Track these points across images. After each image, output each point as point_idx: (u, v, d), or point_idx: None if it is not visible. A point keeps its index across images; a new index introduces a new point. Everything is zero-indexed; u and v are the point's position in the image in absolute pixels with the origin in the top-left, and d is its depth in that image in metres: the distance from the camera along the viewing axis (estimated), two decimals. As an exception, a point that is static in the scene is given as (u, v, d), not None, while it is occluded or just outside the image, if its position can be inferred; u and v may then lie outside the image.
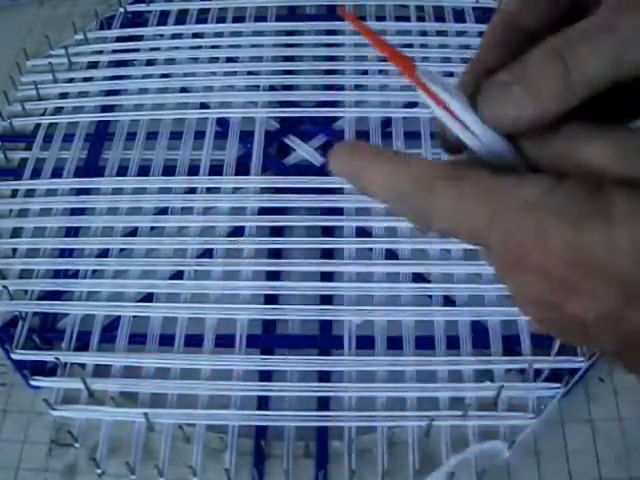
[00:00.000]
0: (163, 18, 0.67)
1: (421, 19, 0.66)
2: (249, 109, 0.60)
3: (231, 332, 0.50)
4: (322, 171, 0.57)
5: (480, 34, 0.66)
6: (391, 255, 0.53)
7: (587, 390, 0.49)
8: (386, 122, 0.60)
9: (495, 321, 0.51)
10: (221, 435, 0.47)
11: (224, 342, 0.50)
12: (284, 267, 0.53)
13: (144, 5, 0.67)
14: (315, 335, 0.51)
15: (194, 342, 0.50)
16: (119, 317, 0.51)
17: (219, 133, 0.59)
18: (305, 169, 0.58)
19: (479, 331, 0.51)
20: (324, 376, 0.49)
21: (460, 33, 0.65)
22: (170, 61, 0.63)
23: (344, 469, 0.46)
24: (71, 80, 0.63)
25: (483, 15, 0.67)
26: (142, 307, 0.51)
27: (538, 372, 0.49)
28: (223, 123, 0.60)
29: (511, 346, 0.50)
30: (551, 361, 0.49)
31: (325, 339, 0.51)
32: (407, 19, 0.66)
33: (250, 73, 0.62)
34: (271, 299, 0.52)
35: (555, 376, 0.49)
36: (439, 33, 0.65)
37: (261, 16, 0.66)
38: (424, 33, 0.65)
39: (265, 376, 0.49)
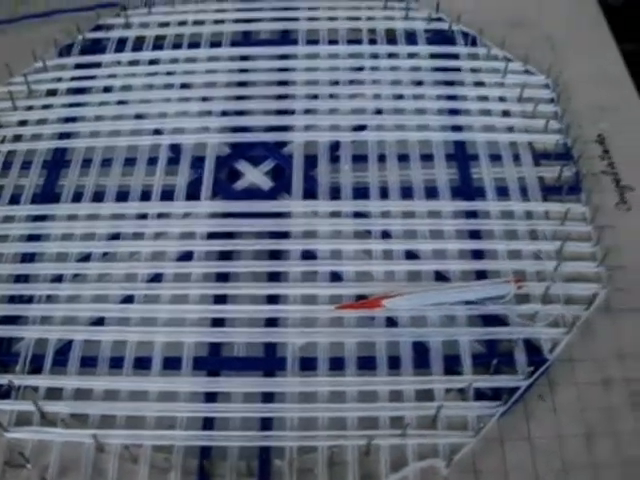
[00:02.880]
0: (121, 45, 0.68)
1: (373, 42, 0.68)
2: (200, 135, 0.62)
3: (178, 355, 0.52)
4: (270, 195, 0.59)
5: (431, 56, 0.67)
6: (335, 277, 0.55)
7: (527, 408, 0.51)
8: (335, 146, 0.61)
9: (436, 341, 0.52)
10: (167, 455, 0.48)
11: (171, 364, 0.52)
12: (230, 290, 0.54)
13: (103, 32, 0.69)
14: (259, 357, 0.52)
15: (142, 365, 0.52)
16: (71, 341, 0.53)
17: (172, 159, 0.61)
18: (254, 193, 0.59)
19: (421, 351, 0.52)
20: (267, 397, 0.50)
21: (411, 55, 0.67)
22: (126, 88, 0.65)
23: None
24: (30, 108, 0.64)
25: (434, 37, 0.68)
26: (93, 331, 0.53)
27: (478, 391, 0.50)
28: (176, 149, 0.61)
29: (452, 366, 0.51)
30: (490, 380, 0.51)
31: (269, 361, 0.52)
32: (360, 42, 0.68)
33: (203, 99, 0.64)
34: (218, 322, 0.53)
35: (495, 395, 0.50)
36: (390, 56, 0.67)
37: (217, 41, 0.68)
38: (375, 56, 0.67)
39: (210, 397, 0.50)
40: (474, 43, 0.68)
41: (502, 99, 0.65)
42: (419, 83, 0.65)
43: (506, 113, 0.64)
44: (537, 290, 0.54)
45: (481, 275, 0.55)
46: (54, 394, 0.51)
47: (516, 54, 0.68)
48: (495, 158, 0.61)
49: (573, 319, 0.53)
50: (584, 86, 0.67)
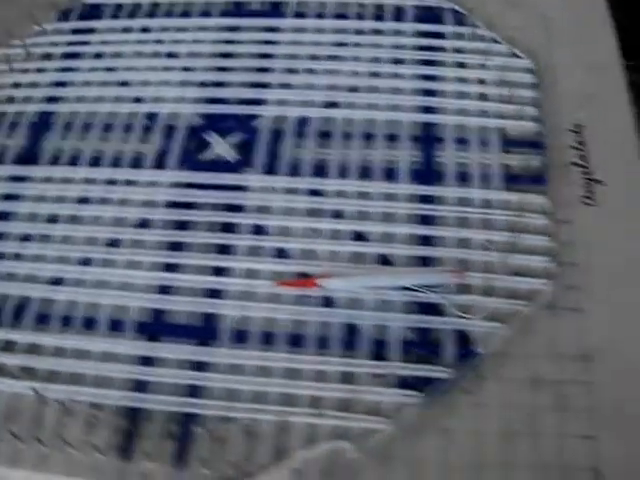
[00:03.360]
0: (117, 11, 0.70)
1: (360, 17, 0.68)
2: (175, 104, 0.63)
3: (123, 318, 0.55)
4: (233, 168, 0.60)
5: (418, 34, 0.66)
6: (282, 254, 0.56)
7: (449, 400, 0.51)
8: (303, 121, 0.62)
9: (367, 325, 0.53)
10: (99, 412, 0.52)
11: (116, 327, 0.54)
12: (179, 260, 0.56)
13: (101, -3, 0.71)
14: (197, 326, 0.54)
15: (90, 325, 0.55)
16: (29, 298, 0.56)
17: (147, 127, 0.63)
18: (218, 166, 0.60)
19: (351, 334, 0.53)
20: (198, 366, 0.53)
21: (396, 32, 0.66)
22: (116, 55, 0.67)
23: (201, 454, 0.50)
24: (25, 71, 0.68)
25: (423, 14, 0.68)
26: (49, 290, 0.56)
27: (403, 379, 0.51)
28: (152, 118, 0.63)
29: (380, 351, 0.52)
30: (415, 369, 0.51)
31: (205, 331, 0.54)
32: (347, 17, 0.68)
33: (185, 69, 0.66)
34: (164, 289, 0.56)
35: (419, 384, 0.51)
36: (375, 32, 0.67)
37: (208, 11, 0.69)
38: (360, 32, 0.67)
39: (146, 361, 0.53)
40: (462, 22, 0.67)
41: (481, 82, 0.64)
42: (399, 61, 0.65)
43: (483, 96, 0.63)
44: (479, 281, 0.54)
45: (426, 262, 0.55)
46: (10, 347, 0.55)
47: (507, 35, 0.66)
48: (462, 142, 0.60)
49: (511, 314, 0.53)
50: (572, 72, 0.65)
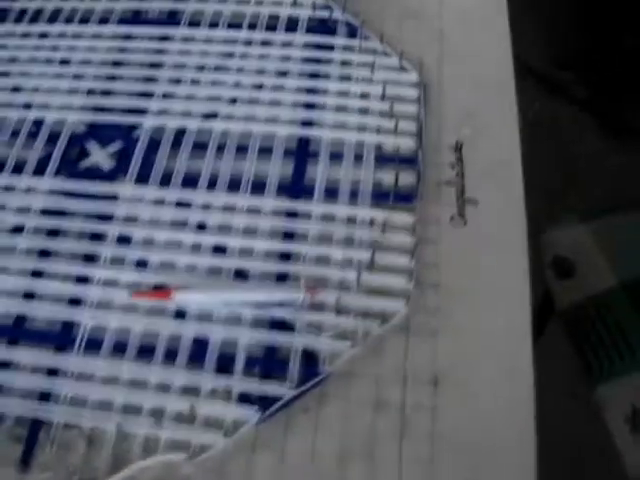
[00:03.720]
0: (21, 16, 0.71)
1: (253, 27, 0.67)
2: (61, 112, 0.64)
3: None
4: (109, 177, 0.61)
5: (307, 46, 0.66)
6: (142, 264, 0.57)
7: (288, 419, 0.51)
8: (181, 132, 0.62)
9: (216, 339, 0.53)
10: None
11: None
12: (45, 266, 0.57)
13: (7, 2, 0.72)
14: (55, 333, 0.55)
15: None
16: None
17: (32, 133, 0.64)
18: (94, 174, 0.61)
19: (199, 347, 0.53)
20: (52, 372, 0.53)
21: (285, 44, 0.66)
22: (12, 60, 0.68)
23: (44, 459, 0.50)
24: None
25: (316, 26, 0.67)
26: None
27: (246, 395, 0.51)
28: (38, 124, 0.64)
29: (226, 366, 0.53)
30: (257, 385, 0.51)
31: (61, 338, 0.54)
32: (240, 27, 0.68)
33: (76, 77, 0.66)
34: (28, 295, 0.56)
35: (263, 401, 0.51)
36: (264, 43, 0.67)
37: (106, 18, 0.70)
38: (249, 43, 0.67)
39: (3, 366, 0.54)
40: (355, 34, 0.67)
41: (364, 96, 0.63)
42: (284, 74, 0.65)
43: (364, 111, 0.63)
44: (333, 299, 0.54)
45: (282, 278, 0.55)
46: None
47: (400, 48, 0.66)
48: (336, 158, 0.60)
49: (363, 334, 0.53)
50: (460, 87, 0.64)
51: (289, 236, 0.57)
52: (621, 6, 1.31)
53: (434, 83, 0.64)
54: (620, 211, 0.79)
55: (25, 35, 0.70)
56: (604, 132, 1.29)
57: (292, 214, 0.58)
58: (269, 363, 0.52)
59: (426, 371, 0.52)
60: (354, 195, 0.58)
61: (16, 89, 0.66)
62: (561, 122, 1.31)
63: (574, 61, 1.35)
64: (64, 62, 0.68)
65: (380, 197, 0.58)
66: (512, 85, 0.64)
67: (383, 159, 0.60)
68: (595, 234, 0.77)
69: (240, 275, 0.56)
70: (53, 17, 0.71)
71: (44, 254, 0.58)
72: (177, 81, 0.65)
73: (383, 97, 0.63)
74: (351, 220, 0.57)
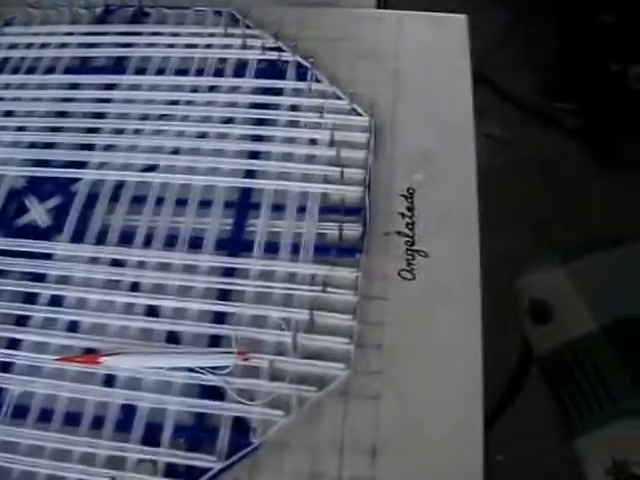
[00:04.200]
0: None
1: (200, 72, 0.65)
2: (2, 166, 0.62)
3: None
4: (44, 234, 0.58)
5: (254, 90, 0.63)
6: (73, 327, 0.54)
7: (217, 493, 0.48)
8: (120, 186, 0.60)
9: (144, 407, 0.51)
10: None
11: None
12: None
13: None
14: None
15: None
16: None
17: (-28, 189, 0.62)
18: (30, 231, 0.59)
19: (127, 415, 0.51)
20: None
21: (233, 89, 0.64)
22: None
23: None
24: None
25: (265, 68, 0.65)
26: None
27: (173, 467, 0.48)
28: (-22, 179, 0.62)
29: (154, 435, 0.50)
30: (184, 457, 0.49)
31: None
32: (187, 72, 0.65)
33: (19, 129, 0.64)
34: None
35: (190, 473, 0.48)
36: (211, 89, 0.64)
37: (53, 67, 0.68)
38: (195, 89, 0.64)
39: None
40: (305, 76, 0.64)
41: (312, 142, 0.60)
42: (229, 121, 0.62)
43: (310, 159, 0.60)
44: (267, 364, 0.51)
45: (215, 341, 0.53)
46: None
47: (352, 89, 0.62)
48: (279, 209, 0.57)
49: (299, 401, 0.50)
50: (416, 129, 0.61)
51: (225, 296, 0.54)
52: (605, 34, 1.28)
53: (387, 125, 0.61)
54: (601, 250, 0.75)
55: (-29, 86, 0.68)
56: (594, 162, 1.25)
57: (229, 271, 0.55)
58: (198, 432, 0.50)
59: (365, 439, 0.49)
60: (296, 249, 0.56)
61: (-41, 142, 0.65)
62: (550, 153, 1.27)
63: (563, 91, 1.32)
64: (8, 114, 0.66)
65: (323, 250, 0.56)
66: (471, 125, 0.61)
67: (328, 210, 0.57)
68: (573, 276, 0.73)
69: (172, 338, 0.53)
70: (0, 67, 0.69)
71: (-27, 319, 0.56)
72: (120, 131, 0.63)
73: (331, 143, 0.60)
74: (291, 277, 0.54)
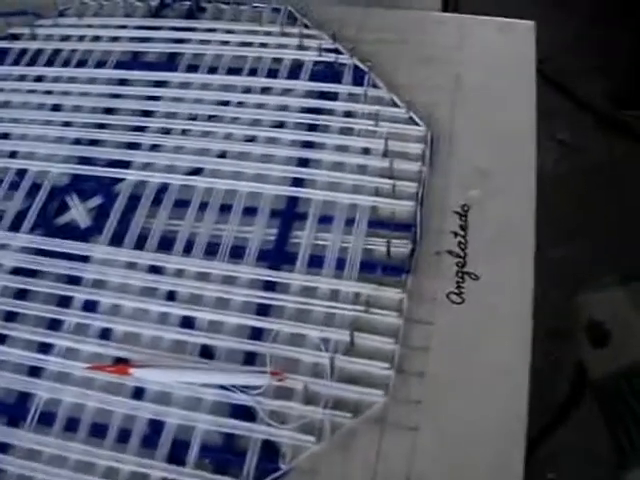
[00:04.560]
0: (20, 57, 0.68)
1: (254, 72, 0.62)
2: (44, 162, 0.61)
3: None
4: (84, 235, 0.57)
5: (308, 94, 0.61)
6: (105, 335, 0.52)
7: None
8: (163, 188, 0.58)
9: (173, 423, 0.49)
10: None
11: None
12: (6, 331, 0.53)
13: (7, 42, 0.69)
14: (10, 404, 0.51)
15: None
16: None
17: (14, 184, 0.60)
18: (69, 232, 0.57)
19: (154, 430, 0.49)
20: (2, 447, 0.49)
21: (286, 91, 0.61)
22: (4, 104, 0.65)
23: None
24: None
25: (321, 70, 0.62)
26: None
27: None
28: (21, 174, 0.61)
29: (180, 453, 0.48)
30: (208, 479, 0.47)
31: (16, 410, 0.51)
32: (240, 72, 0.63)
33: (66, 124, 0.63)
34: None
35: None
36: (264, 90, 0.61)
37: (104, 60, 0.66)
38: (248, 90, 0.61)
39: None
40: (362, 81, 0.60)
41: (365, 151, 0.57)
42: (280, 125, 0.59)
43: (362, 169, 0.57)
44: (302, 386, 0.48)
45: (250, 358, 0.50)
46: None
47: (410, 96, 0.59)
48: (326, 221, 0.55)
49: (332, 426, 0.47)
50: (475, 142, 0.58)
51: (263, 311, 0.52)
52: None
53: (445, 136, 0.58)
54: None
55: (22, 78, 0.67)
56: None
57: (270, 285, 0.53)
58: (225, 453, 0.48)
59: (399, 472, 0.46)
60: (340, 265, 0.53)
61: (5, 135, 0.63)
62: (618, 160, 1.22)
63: (632, 98, 1.26)
64: (56, 108, 0.64)
65: (369, 267, 0.53)
66: (533, 140, 0.57)
67: (377, 224, 0.54)
68: (633, 298, 0.68)
69: (206, 352, 0.51)
70: (51, 59, 0.67)
71: (9, 317, 0.54)
72: (167, 131, 0.61)
73: (385, 153, 0.57)
74: (334, 294, 0.52)
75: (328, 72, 0.62)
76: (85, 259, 0.56)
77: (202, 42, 0.65)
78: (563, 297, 0.77)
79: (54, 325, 0.53)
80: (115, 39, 0.67)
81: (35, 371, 0.52)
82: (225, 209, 0.56)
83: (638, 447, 0.65)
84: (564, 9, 1.36)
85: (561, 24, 1.28)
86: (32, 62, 0.68)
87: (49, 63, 0.67)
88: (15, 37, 0.70)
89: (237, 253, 0.54)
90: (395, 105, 0.59)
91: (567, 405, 0.84)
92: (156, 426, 0.49)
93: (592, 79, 1.27)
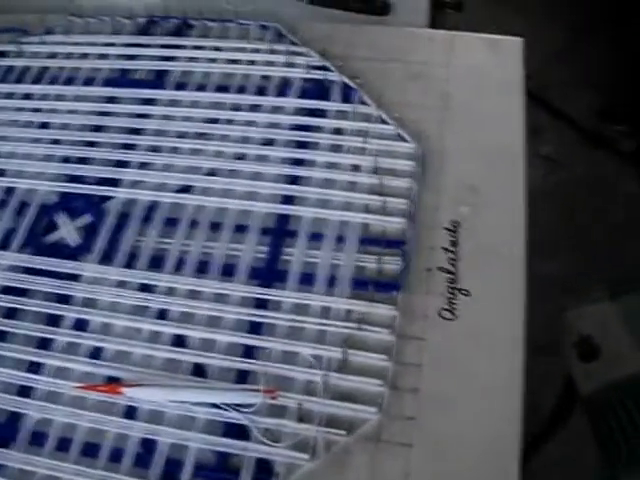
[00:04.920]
0: (6, 75, 0.68)
1: (242, 90, 0.63)
2: (33, 180, 0.60)
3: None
4: (73, 253, 0.57)
5: (297, 111, 0.61)
6: (96, 354, 0.52)
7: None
8: (153, 206, 0.58)
9: (166, 442, 0.48)
10: None
11: None
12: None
13: (-6, 59, 0.69)
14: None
15: None
16: None
17: (2, 202, 0.60)
18: (58, 250, 0.57)
19: (147, 450, 0.48)
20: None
21: (275, 109, 0.61)
22: (-10, 123, 0.65)
23: None
24: None
25: (310, 87, 0.62)
26: None
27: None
28: (10, 193, 0.60)
29: (173, 472, 0.47)
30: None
31: (6, 430, 0.50)
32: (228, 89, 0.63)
33: (54, 142, 0.62)
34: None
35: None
36: (253, 108, 0.61)
37: (92, 78, 0.66)
38: (237, 107, 0.62)
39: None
40: (350, 98, 0.61)
41: (355, 168, 0.58)
42: (269, 142, 0.59)
43: (352, 186, 0.57)
44: (295, 404, 0.48)
45: (242, 376, 0.50)
46: None
47: (399, 113, 0.59)
48: (316, 239, 0.55)
49: (326, 444, 0.47)
50: (465, 158, 0.58)
51: (255, 328, 0.52)
52: None
53: (434, 153, 0.58)
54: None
55: (9, 96, 0.66)
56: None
57: (261, 303, 0.52)
58: (219, 473, 0.47)
59: (395, 489, 0.46)
60: (332, 282, 0.53)
61: (-7, 154, 0.63)
62: (604, 176, 1.23)
63: (618, 113, 1.27)
64: (44, 125, 0.64)
65: (360, 285, 0.53)
66: (522, 156, 0.57)
67: (368, 241, 0.54)
68: (622, 313, 0.69)
69: (198, 371, 0.51)
70: (39, 77, 0.67)
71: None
72: (156, 149, 0.61)
73: (375, 170, 0.57)
74: (326, 312, 0.52)
75: (317, 89, 0.62)
76: (75, 278, 0.55)
77: (190, 59, 0.65)
78: (550, 311, 0.78)
79: (44, 344, 0.53)
80: (103, 56, 0.67)
81: (25, 391, 0.52)
82: (215, 227, 0.56)
83: (628, 460, 0.65)
84: (550, 22, 1.36)
85: (546, 37, 1.28)
86: (19, 80, 0.67)
87: (36, 81, 0.67)
88: (1, 54, 0.69)
89: (228, 271, 0.54)
90: (384, 122, 0.59)
91: (556, 419, 0.84)
92: (149, 445, 0.48)
93: (578, 94, 1.28)
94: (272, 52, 0.64)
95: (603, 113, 1.27)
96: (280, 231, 0.55)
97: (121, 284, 0.55)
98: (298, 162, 0.58)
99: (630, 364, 0.67)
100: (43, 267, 0.56)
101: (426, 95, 0.61)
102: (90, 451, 0.49)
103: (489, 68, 0.62)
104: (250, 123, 0.61)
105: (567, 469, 0.99)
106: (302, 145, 0.59)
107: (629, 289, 0.71)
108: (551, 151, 1.22)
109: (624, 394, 0.67)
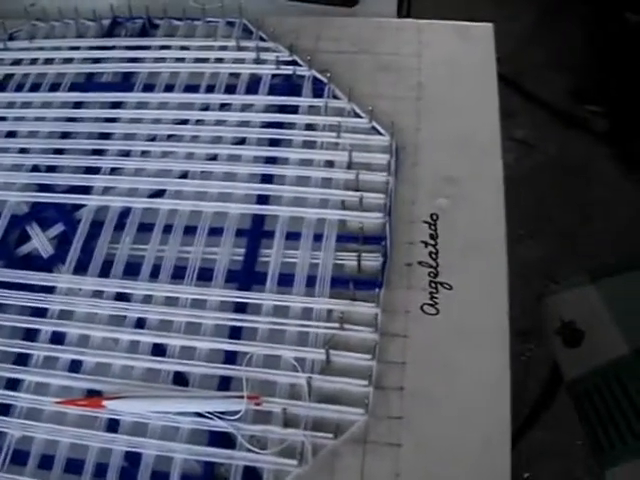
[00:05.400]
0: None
1: (211, 89, 0.61)
2: (3, 192, 0.59)
3: None
4: (46, 264, 0.55)
5: (268, 108, 0.60)
6: (75, 367, 0.51)
7: None
8: (126, 212, 0.57)
9: (150, 454, 0.47)
10: None
11: None
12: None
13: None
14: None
15: None
16: None
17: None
18: (31, 262, 0.56)
19: (132, 462, 0.47)
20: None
21: (245, 107, 0.60)
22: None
23: None
24: None
25: (280, 84, 0.61)
26: None
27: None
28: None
29: (160, 484, 0.47)
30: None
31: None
32: (197, 89, 0.62)
33: (22, 150, 0.61)
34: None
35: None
36: (223, 106, 0.60)
37: (58, 83, 0.64)
38: (206, 107, 0.60)
39: None
40: (321, 92, 0.60)
41: (329, 164, 0.57)
42: (241, 141, 0.58)
43: (327, 183, 0.56)
44: (280, 409, 0.48)
45: (225, 383, 0.49)
46: None
47: (371, 105, 0.58)
48: (294, 238, 0.54)
49: (313, 448, 0.46)
50: (440, 149, 0.57)
51: (235, 333, 0.51)
52: (633, 33, 1.23)
53: (409, 145, 0.57)
54: (633, 270, 0.70)
55: (-29, 104, 0.65)
56: (622, 166, 1.21)
57: (241, 307, 0.52)
58: (209, 482, 0.46)
59: (385, 489, 0.45)
60: (311, 282, 0.52)
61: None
62: (577, 156, 1.23)
63: (591, 93, 1.27)
64: (10, 134, 0.63)
65: (340, 283, 0.52)
66: (498, 143, 0.57)
67: (346, 238, 0.54)
68: (604, 296, 0.68)
69: (180, 379, 0.50)
70: (3, 84, 0.66)
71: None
72: (126, 154, 0.59)
73: (350, 165, 0.56)
74: (306, 313, 0.51)
75: (287, 85, 0.61)
76: (49, 290, 0.54)
77: (157, 60, 0.64)
78: (529, 296, 0.77)
79: (21, 360, 0.52)
80: (68, 61, 0.66)
81: (4, 409, 0.50)
82: (190, 231, 0.55)
83: (616, 446, 0.65)
84: (518, 4, 1.36)
85: (515, 20, 1.28)
86: (-14, 88, 0.66)
87: (1, 88, 0.65)
88: (-34, 62, 0.68)
89: (205, 275, 0.53)
90: (357, 115, 0.58)
91: (540, 405, 0.84)
92: (133, 458, 0.48)
93: (550, 75, 1.28)
94: (240, 49, 0.63)
95: (576, 94, 1.27)
96: (256, 232, 0.55)
97: (97, 294, 0.54)
98: (271, 160, 0.58)
99: (615, 348, 0.67)
100: (16, 280, 0.55)
101: (398, 86, 0.60)
102: (73, 467, 0.48)
103: (460, 56, 0.61)
104: (221, 122, 0.60)
105: (552, 455, 0.99)
106: (275, 143, 0.58)
107: (611, 272, 0.71)
108: (524, 134, 1.22)
109: (611, 377, 0.66)
